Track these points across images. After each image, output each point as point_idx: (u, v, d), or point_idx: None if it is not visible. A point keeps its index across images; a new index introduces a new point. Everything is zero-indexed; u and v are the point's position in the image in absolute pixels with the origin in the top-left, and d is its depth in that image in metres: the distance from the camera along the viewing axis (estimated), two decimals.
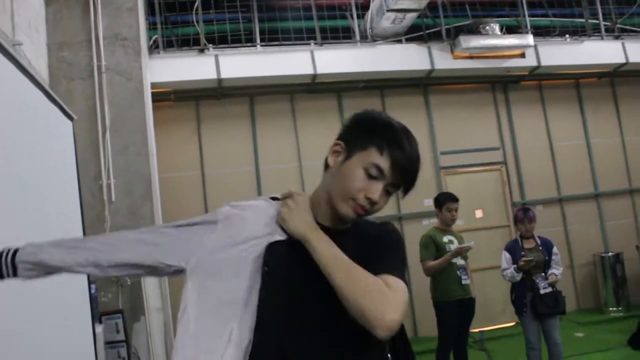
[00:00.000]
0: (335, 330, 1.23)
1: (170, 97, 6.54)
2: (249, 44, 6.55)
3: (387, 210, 6.63)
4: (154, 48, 6.14)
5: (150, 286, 4.46)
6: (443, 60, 6.78)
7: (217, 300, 1.26)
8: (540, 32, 7.38)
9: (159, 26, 6.26)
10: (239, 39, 6.58)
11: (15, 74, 2.39)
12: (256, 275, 1.25)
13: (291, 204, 1.29)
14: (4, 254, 1.35)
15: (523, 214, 4.54)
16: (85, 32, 4.80)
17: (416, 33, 6.82)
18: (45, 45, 4.64)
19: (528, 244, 4.50)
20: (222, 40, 6.52)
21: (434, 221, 4.94)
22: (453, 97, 7.46)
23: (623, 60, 7.25)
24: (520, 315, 4.41)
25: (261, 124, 6.89)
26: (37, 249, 1.36)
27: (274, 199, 1.38)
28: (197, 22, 6.39)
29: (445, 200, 4.62)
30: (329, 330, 1.23)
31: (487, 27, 6.70)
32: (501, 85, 7.63)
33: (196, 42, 6.36)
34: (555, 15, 7.56)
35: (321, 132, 6.24)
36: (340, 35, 6.81)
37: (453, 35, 6.87)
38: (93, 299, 3.51)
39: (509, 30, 7.13)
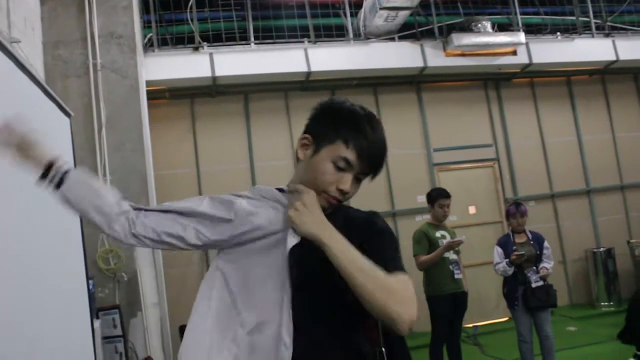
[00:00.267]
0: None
1: (165, 95, 6.56)
2: (243, 42, 6.58)
3: (381, 206, 6.71)
4: (148, 46, 6.16)
5: (147, 282, 4.49)
6: (435, 57, 6.83)
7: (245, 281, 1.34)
8: (531, 29, 7.45)
9: (153, 24, 6.27)
10: (233, 37, 6.61)
11: (14, 70, 2.42)
12: (281, 270, 1.31)
13: (299, 206, 1.28)
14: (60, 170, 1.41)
15: (515, 209, 4.60)
16: (80, 30, 4.84)
17: (409, 31, 6.87)
18: (40, 44, 4.66)
19: (520, 239, 4.56)
20: (217, 38, 6.55)
21: (427, 217, 4.99)
22: (446, 95, 7.51)
23: (613, 58, 7.33)
24: (512, 309, 4.46)
25: (256, 121, 6.93)
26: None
27: (279, 190, 1.42)
28: (192, 20, 6.41)
29: (437, 197, 4.68)
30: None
31: (479, 25, 6.75)
32: (493, 83, 7.69)
33: (191, 40, 6.39)
34: (546, 13, 7.63)
35: None
36: (333, 33, 6.87)
37: (445, 33, 6.93)
38: (91, 295, 3.55)
39: (500, 28, 7.18)
